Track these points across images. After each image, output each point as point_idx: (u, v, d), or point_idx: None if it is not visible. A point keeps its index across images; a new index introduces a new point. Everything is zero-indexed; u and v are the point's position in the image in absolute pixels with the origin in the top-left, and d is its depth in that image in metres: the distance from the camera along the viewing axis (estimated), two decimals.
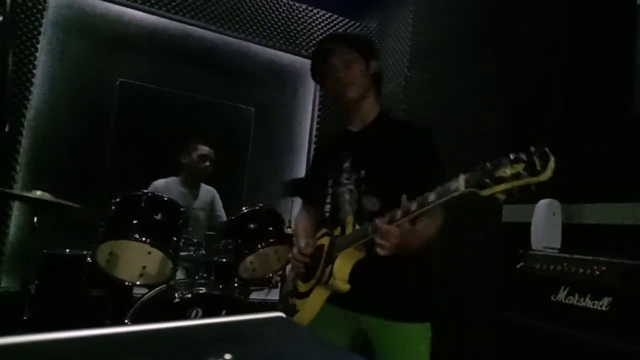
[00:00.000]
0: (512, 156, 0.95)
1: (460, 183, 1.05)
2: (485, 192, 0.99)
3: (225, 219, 3.19)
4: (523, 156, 0.94)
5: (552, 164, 0.92)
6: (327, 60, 1.52)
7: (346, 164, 1.52)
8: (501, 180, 0.96)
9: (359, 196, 1.46)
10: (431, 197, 1.12)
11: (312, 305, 1.45)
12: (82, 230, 2.40)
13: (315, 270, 1.48)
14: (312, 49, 4.32)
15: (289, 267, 1.79)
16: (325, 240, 1.51)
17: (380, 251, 1.21)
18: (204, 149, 3.16)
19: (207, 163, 3.14)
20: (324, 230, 1.57)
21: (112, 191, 2.27)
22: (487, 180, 0.98)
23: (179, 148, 3.17)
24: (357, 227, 1.38)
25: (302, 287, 1.53)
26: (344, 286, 1.34)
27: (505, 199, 0.98)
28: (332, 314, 1.45)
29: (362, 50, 1.54)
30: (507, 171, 0.95)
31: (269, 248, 2.41)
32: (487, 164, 1.00)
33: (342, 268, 1.36)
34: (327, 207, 1.55)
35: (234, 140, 4.14)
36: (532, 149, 0.93)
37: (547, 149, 0.92)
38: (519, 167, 0.94)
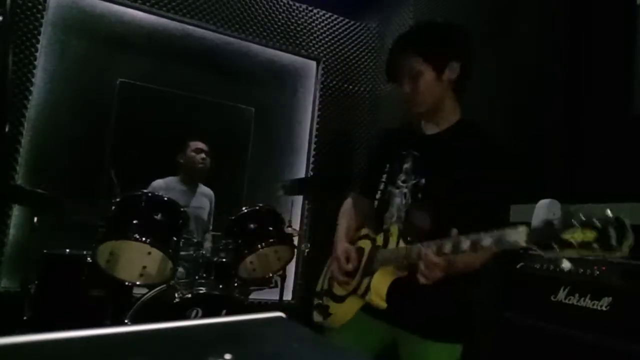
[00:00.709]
0: (583, 219, 0.85)
1: (520, 236, 0.97)
2: (548, 255, 0.91)
3: (210, 228, 3.22)
4: (597, 223, 0.83)
5: (629, 241, 0.81)
6: (395, 68, 1.41)
7: (406, 165, 1.42)
8: (568, 244, 0.86)
9: (411, 205, 1.37)
10: (486, 241, 1.04)
11: (345, 312, 1.42)
12: (82, 230, 2.40)
13: (353, 274, 1.44)
14: (312, 49, 4.36)
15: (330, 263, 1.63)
16: (366, 245, 1.45)
17: (422, 280, 1.17)
18: (198, 143, 3.17)
19: (203, 156, 3.14)
20: (365, 231, 1.52)
21: (112, 191, 2.27)
22: (553, 243, 0.89)
23: (176, 149, 3.17)
24: (402, 243, 1.31)
25: (338, 290, 1.49)
26: (382, 304, 1.30)
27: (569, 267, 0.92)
28: (366, 322, 1.41)
29: (431, 57, 1.34)
30: (576, 236, 0.85)
31: (269, 248, 2.41)
32: (555, 222, 0.90)
33: (380, 284, 1.31)
34: (375, 204, 1.48)
35: (234, 140, 4.14)
36: (609, 215, 0.83)
37: (626, 222, 0.82)
38: (590, 236, 0.84)
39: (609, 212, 0.84)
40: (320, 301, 1.56)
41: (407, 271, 1.30)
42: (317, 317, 1.54)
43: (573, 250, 0.86)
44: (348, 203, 1.67)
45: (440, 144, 1.41)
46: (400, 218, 1.39)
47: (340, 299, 1.46)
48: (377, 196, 1.47)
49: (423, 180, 1.36)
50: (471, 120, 1.46)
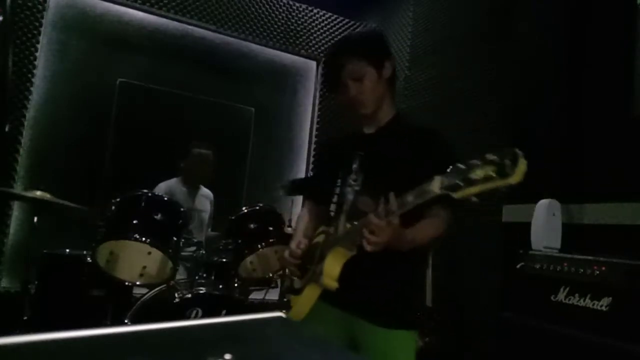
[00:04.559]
0: (484, 157, 0.95)
1: (434, 185, 1.06)
2: (458, 195, 0.99)
3: (210, 230, 3.22)
4: (494, 157, 0.93)
5: (522, 166, 0.90)
6: (337, 75, 1.47)
7: (355, 165, 1.51)
8: (472, 182, 0.96)
9: (356, 194, 1.47)
10: (409, 197, 1.14)
11: (304, 301, 1.47)
12: (82, 230, 2.40)
13: (310, 264, 1.50)
14: (312, 49, 4.36)
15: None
16: (321, 238, 1.52)
17: (367, 246, 1.21)
18: (204, 152, 3.13)
19: (208, 166, 3.14)
20: (321, 228, 1.58)
21: (112, 191, 2.27)
22: (460, 183, 0.98)
23: (179, 152, 3.14)
24: (348, 225, 1.39)
25: (298, 284, 1.55)
26: (333, 284, 1.35)
27: (476, 200, 0.98)
28: (325, 312, 1.45)
29: (372, 59, 1.46)
30: (479, 173, 0.95)
31: (269, 248, 2.40)
32: (460, 165, 0.99)
33: (331, 266, 1.37)
34: (333, 207, 1.54)
35: (234, 140, 4.14)
36: (503, 150, 0.93)
37: (517, 151, 0.91)
38: (490, 169, 0.93)
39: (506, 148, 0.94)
40: (285, 300, 1.62)
41: (356, 250, 1.36)
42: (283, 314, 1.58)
43: (477, 186, 0.95)
44: (303, 210, 1.78)
45: (380, 139, 1.52)
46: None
47: (299, 291, 1.50)
48: (334, 200, 1.54)
49: (369, 174, 1.47)
50: (404, 114, 1.57)
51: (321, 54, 4.43)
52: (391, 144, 1.49)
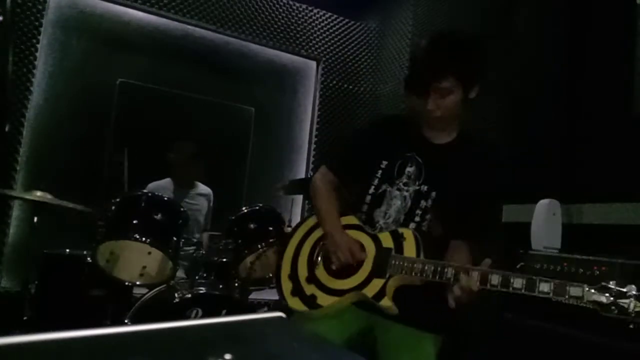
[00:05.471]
0: (634, 292, 0.97)
1: (585, 293, 1.05)
2: (605, 314, 1.01)
3: (208, 227, 3.17)
4: None
5: None
6: (423, 82, 1.35)
7: (409, 169, 1.43)
8: (624, 311, 0.98)
9: (413, 208, 1.39)
10: (545, 287, 1.10)
11: (339, 305, 1.39)
12: (82, 230, 2.40)
13: (350, 269, 1.39)
14: (312, 49, 4.36)
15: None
16: (366, 240, 1.41)
17: (453, 303, 1.20)
18: (187, 147, 3.07)
19: (193, 159, 3.07)
20: (353, 220, 1.47)
21: (112, 191, 2.27)
22: (615, 310, 1.00)
23: (167, 151, 3.11)
24: (422, 254, 1.30)
25: (330, 282, 1.42)
26: (394, 310, 1.30)
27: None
28: (346, 311, 1.41)
29: (465, 79, 1.33)
30: (632, 306, 0.97)
31: (269, 248, 2.40)
32: (613, 287, 1.00)
33: (393, 289, 1.31)
34: (368, 199, 1.46)
35: (234, 140, 4.14)
36: None
37: None
38: None
39: None
40: (296, 286, 1.48)
41: (424, 283, 1.29)
42: (298, 305, 1.44)
43: (628, 316, 0.97)
44: (327, 186, 1.56)
45: (448, 155, 1.43)
46: (399, 221, 1.40)
47: (337, 293, 1.39)
48: (371, 191, 1.47)
49: (426, 188, 1.39)
50: (469, 132, 1.49)
51: (321, 54, 4.43)
52: (454, 164, 1.40)
